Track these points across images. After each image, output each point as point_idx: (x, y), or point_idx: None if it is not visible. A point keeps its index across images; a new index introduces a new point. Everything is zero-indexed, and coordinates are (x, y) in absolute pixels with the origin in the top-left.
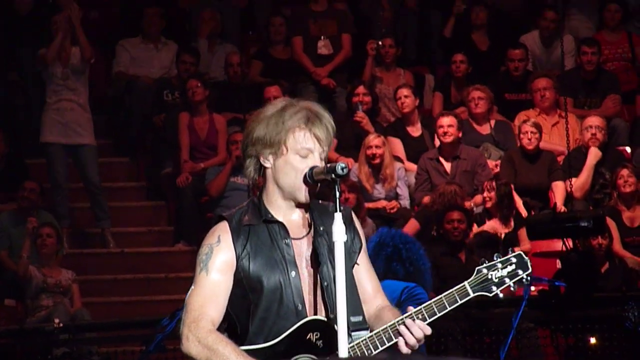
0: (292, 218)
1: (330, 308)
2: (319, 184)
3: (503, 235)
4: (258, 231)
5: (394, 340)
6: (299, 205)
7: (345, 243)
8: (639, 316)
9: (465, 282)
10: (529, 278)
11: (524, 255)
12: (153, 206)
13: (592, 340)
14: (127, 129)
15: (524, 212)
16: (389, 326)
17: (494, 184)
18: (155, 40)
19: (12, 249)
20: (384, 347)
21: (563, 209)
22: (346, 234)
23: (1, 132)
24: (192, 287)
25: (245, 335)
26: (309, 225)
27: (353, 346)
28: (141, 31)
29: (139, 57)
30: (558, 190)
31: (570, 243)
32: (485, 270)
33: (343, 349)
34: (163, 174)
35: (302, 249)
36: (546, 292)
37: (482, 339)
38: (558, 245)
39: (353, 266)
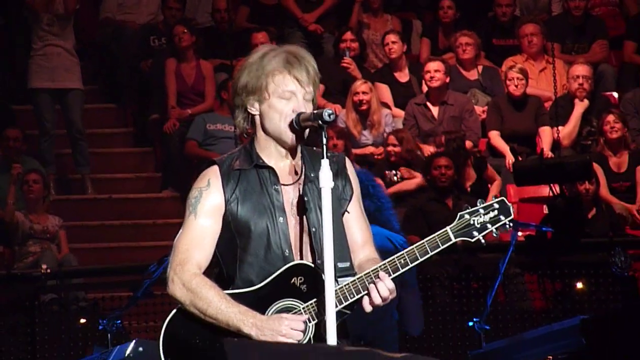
0: (283, 164)
1: (318, 254)
2: (306, 130)
3: (470, 189)
4: (248, 176)
5: (359, 295)
6: (289, 151)
7: (336, 190)
8: (626, 261)
9: (447, 228)
10: (511, 224)
11: (506, 201)
12: (140, 152)
13: (579, 285)
14: (114, 75)
15: (511, 158)
16: (357, 279)
17: (443, 138)
18: None
19: None
20: (352, 299)
21: (550, 154)
22: (337, 181)
23: None
24: (181, 230)
25: (233, 279)
26: (300, 172)
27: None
28: None
29: (125, 2)
30: (545, 136)
31: (557, 189)
32: (467, 216)
33: (330, 296)
34: (150, 120)
35: (291, 195)
36: (533, 238)
37: (469, 284)
38: (545, 190)
39: (343, 214)
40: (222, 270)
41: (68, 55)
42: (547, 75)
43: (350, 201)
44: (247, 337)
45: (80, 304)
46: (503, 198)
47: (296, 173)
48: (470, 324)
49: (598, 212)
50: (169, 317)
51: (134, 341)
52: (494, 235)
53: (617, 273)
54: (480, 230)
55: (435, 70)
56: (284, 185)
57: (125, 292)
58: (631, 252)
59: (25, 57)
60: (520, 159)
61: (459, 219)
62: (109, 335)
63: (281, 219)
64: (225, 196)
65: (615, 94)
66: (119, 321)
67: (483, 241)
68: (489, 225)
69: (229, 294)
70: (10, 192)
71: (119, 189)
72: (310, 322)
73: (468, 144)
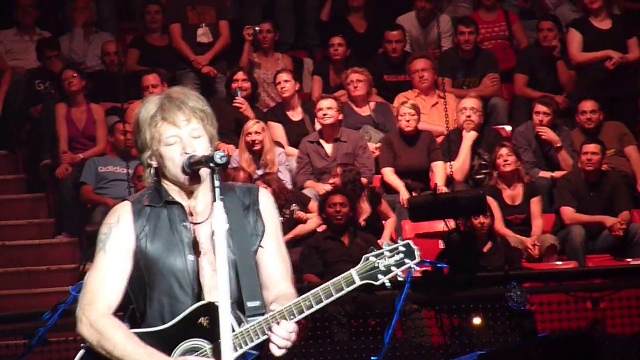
0: (194, 202)
1: (230, 293)
2: (201, 171)
3: (364, 224)
4: (158, 213)
5: (263, 337)
6: (194, 192)
7: (246, 226)
8: (522, 295)
9: (352, 270)
10: (416, 267)
11: (411, 244)
12: (33, 198)
13: (476, 320)
14: (3, 121)
15: (405, 195)
16: (263, 320)
17: (339, 169)
18: (30, 31)
19: None
20: (254, 342)
21: (444, 189)
22: (248, 216)
23: None
24: (91, 267)
25: (143, 317)
26: (211, 210)
27: (236, 335)
28: (16, 22)
29: (14, 48)
30: (438, 171)
31: (452, 223)
32: (372, 258)
33: (225, 338)
34: (42, 165)
35: (202, 233)
36: (429, 273)
37: (366, 321)
38: (440, 225)
39: (256, 250)
40: (134, 308)
41: None
42: (439, 109)
43: (262, 237)
44: None
45: None
46: (409, 241)
47: (208, 211)
48: None
49: (493, 245)
50: (78, 355)
51: None
52: (399, 278)
53: (513, 307)
54: (385, 273)
55: (327, 108)
56: (195, 223)
57: (20, 339)
58: (527, 285)
59: None
60: (414, 194)
61: (364, 262)
62: None
63: (191, 256)
64: (135, 232)
65: (508, 127)
66: None
67: (388, 284)
68: (394, 268)
69: (137, 332)
70: None
71: (12, 236)
72: None
73: (363, 180)
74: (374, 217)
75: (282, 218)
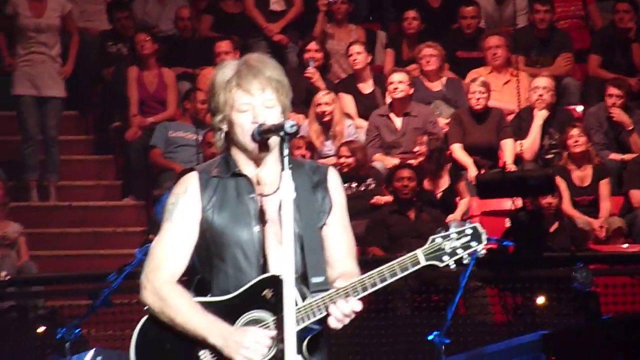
0: (263, 175)
1: (295, 268)
2: (270, 140)
3: (439, 195)
4: (226, 184)
5: (326, 313)
6: (263, 162)
7: (314, 202)
8: (587, 277)
9: (418, 250)
10: (482, 251)
11: (479, 228)
12: (101, 160)
13: (540, 300)
14: (76, 82)
15: (474, 171)
16: (328, 295)
17: (425, 138)
18: None
19: None
20: (317, 317)
21: (513, 167)
22: (316, 193)
23: None
24: (157, 236)
25: (209, 287)
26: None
27: (299, 309)
28: None
29: (87, 9)
30: (507, 149)
31: (519, 202)
32: (439, 240)
33: (290, 311)
34: (112, 127)
35: (270, 206)
36: (495, 251)
37: (429, 296)
38: (507, 204)
39: (322, 227)
40: (199, 277)
41: (53, 63)
42: (511, 88)
43: (329, 214)
44: (213, 346)
45: (38, 312)
46: (477, 224)
47: (276, 183)
48: (430, 337)
49: (560, 226)
50: (141, 322)
51: (92, 350)
52: (465, 261)
53: (578, 288)
54: (451, 255)
55: (399, 82)
56: (262, 195)
57: (84, 300)
58: (593, 267)
59: None
60: (482, 171)
61: (430, 242)
62: (67, 344)
63: (257, 228)
64: (202, 203)
65: (579, 108)
66: (78, 330)
67: (453, 266)
68: (459, 251)
69: (200, 302)
70: None
71: (79, 197)
72: (276, 337)
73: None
74: (449, 192)
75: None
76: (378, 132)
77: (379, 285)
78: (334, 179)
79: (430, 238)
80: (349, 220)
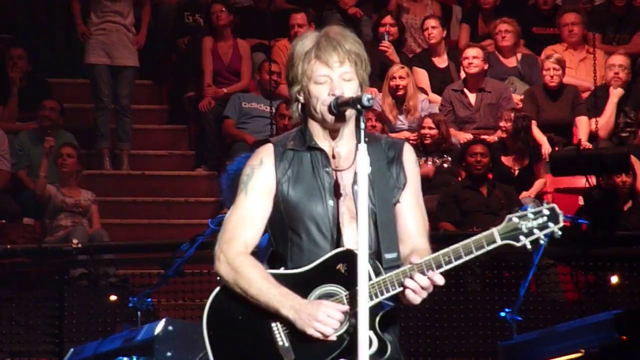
0: (339, 149)
1: (368, 244)
2: (347, 112)
3: (517, 172)
4: (302, 157)
5: (400, 289)
6: (339, 135)
7: (389, 178)
8: None
9: (494, 229)
10: (560, 232)
11: (557, 209)
12: (174, 129)
13: (614, 279)
14: (150, 51)
15: (548, 148)
16: (401, 271)
17: (512, 114)
18: None
19: (32, 168)
20: (391, 292)
21: (587, 145)
22: (391, 168)
23: (24, 51)
24: (232, 207)
25: (284, 259)
26: (355, 157)
27: (373, 284)
28: None
29: None
30: (582, 126)
31: (593, 180)
32: (515, 219)
33: (363, 285)
34: (186, 97)
35: (344, 180)
36: (568, 229)
37: (501, 273)
38: (581, 181)
39: (396, 203)
40: (275, 249)
41: (126, 32)
42: (587, 65)
43: (403, 190)
44: (285, 318)
45: (110, 280)
46: (554, 205)
47: (352, 158)
48: (502, 314)
49: (634, 205)
50: (214, 293)
51: (163, 320)
52: (541, 242)
53: None
54: (527, 235)
55: (473, 57)
56: (337, 169)
57: (156, 269)
58: None
59: (64, 31)
60: (556, 149)
61: (507, 222)
62: (138, 313)
63: (331, 202)
64: (277, 176)
65: None
66: (149, 299)
67: (529, 246)
68: (536, 231)
69: (273, 274)
70: (42, 165)
71: (152, 166)
72: (350, 311)
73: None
74: (527, 170)
75: (437, 165)
76: (452, 107)
77: (455, 263)
78: (409, 155)
79: (507, 217)
80: (422, 197)
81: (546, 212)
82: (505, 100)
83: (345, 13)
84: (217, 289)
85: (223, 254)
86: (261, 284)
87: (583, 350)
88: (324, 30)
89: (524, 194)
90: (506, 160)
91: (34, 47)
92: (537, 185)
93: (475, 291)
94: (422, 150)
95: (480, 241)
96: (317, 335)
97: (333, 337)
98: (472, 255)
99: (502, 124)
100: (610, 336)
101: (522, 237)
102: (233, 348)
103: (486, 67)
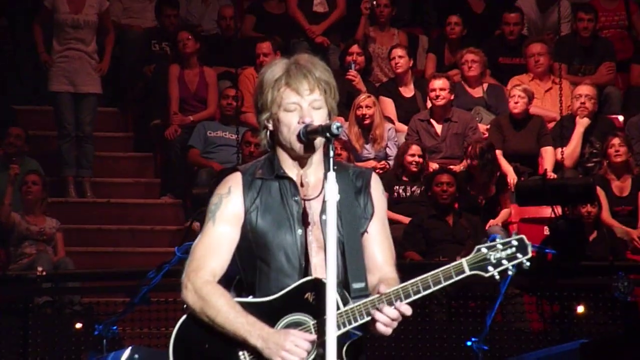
0: (307, 177)
1: (337, 271)
2: (316, 141)
3: (484, 202)
4: (270, 186)
5: (368, 318)
6: (307, 163)
7: (356, 208)
8: (629, 286)
9: (463, 260)
10: (528, 263)
11: (525, 240)
12: (140, 157)
13: (580, 309)
14: (116, 78)
15: (513, 178)
16: (369, 301)
17: (477, 145)
18: None
19: None
20: (359, 322)
21: (553, 175)
22: (359, 198)
23: None
24: (199, 236)
25: (250, 288)
26: (323, 186)
27: (341, 313)
28: None
29: (132, 7)
30: (547, 156)
31: (559, 210)
32: (484, 250)
33: (331, 314)
34: (152, 125)
35: (312, 209)
36: (534, 259)
37: (467, 303)
38: (547, 211)
39: (363, 233)
40: (241, 278)
41: (89, 59)
42: (553, 95)
43: (370, 220)
44: (252, 347)
45: (74, 308)
46: (523, 236)
47: (320, 187)
48: (469, 343)
49: (599, 235)
50: (181, 320)
51: (129, 348)
52: (509, 272)
53: (619, 298)
54: (495, 266)
55: (440, 89)
56: (306, 199)
57: (121, 297)
58: (631, 277)
59: (30, 58)
60: (522, 179)
61: (475, 252)
62: (104, 340)
63: (300, 231)
64: (245, 205)
65: (621, 117)
66: (115, 327)
67: (497, 277)
68: (504, 262)
69: (241, 302)
70: (7, 193)
71: (118, 194)
72: (317, 340)
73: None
74: (493, 200)
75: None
76: (418, 136)
77: (423, 293)
78: (376, 185)
79: (476, 248)
80: (388, 226)
81: (515, 242)
82: (471, 130)
83: (312, 41)
84: (184, 317)
85: (190, 282)
86: (228, 312)
87: None
88: (294, 58)
89: (492, 221)
90: (472, 190)
91: None
92: (503, 214)
93: (442, 321)
94: (403, 177)
95: (448, 271)
96: None
97: None
98: (440, 285)
99: (468, 153)
100: None
101: (490, 268)
102: None
103: (452, 97)
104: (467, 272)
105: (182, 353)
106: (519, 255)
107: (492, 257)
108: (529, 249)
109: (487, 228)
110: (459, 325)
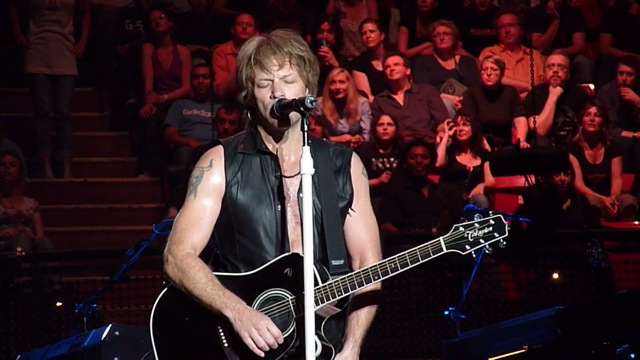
0: (286, 154)
1: (315, 247)
2: (291, 115)
3: (472, 169)
4: (251, 161)
5: (346, 294)
6: (284, 139)
7: (335, 187)
8: (602, 252)
9: (441, 238)
10: (504, 243)
11: (503, 219)
12: (116, 136)
13: (555, 276)
14: (91, 58)
15: (487, 148)
16: (347, 277)
17: (468, 118)
18: None
19: None
20: (337, 297)
21: (526, 145)
22: (338, 177)
23: None
24: (181, 209)
25: (229, 261)
26: None
27: (319, 289)
28: None
29: None
30: (520, 126)
31: (532, 179)
32: (462, 229)
33: (309, 289)
34: (127, 104)
35: (291, 186)
36: (508, 228)
37: (443, 273)
38: (520, 181)
39: (343, 211)
40: (218, 252)
41: (65, 41)
42: (525, 65)
43: (349, 200)
44: (226, 319)
45: (54, 287)
46: (500, 215)
47: (298, 165)
48: (446, 312)
49: (573, 203)
50: (161, 293)
51: (109, 325)
52: (486, 251)
53: (593, 264)
54: (472, 245)
55: (394, 64)
56: (285, 176)
57: (100, 275)
58: (605, 243)
59: (5, 39)
60: (496, 149)
61: (453, 231)
62: (84, 319)
63: (279, 207)
64: (226, 178)
65: (592, 86)
66: (95, 305)
67: (474, 255)
68: (482, 241)
69: (221, 276)
70: None
71: (95, 173)
72: (295, 316)
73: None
74: (479, 169)
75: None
76: (382, 112)
77: (401, 270)
78: (356, 165)
79: (454, 226)
80: (371, 206)
81: (492, 222)
82: (434, 96)
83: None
84: (164, 290)
85: (171, 255)
86: (206, 284)
87: (526, 347)
88: (268, 34)
89: (474, 190)
90: (461, 159)
91: None
92: (479, 187)
93: (419, 291)
94: (380, 149)
95: (426, 249)
96: (249, 342)
97: (260, 353)
98: (418, 263)
99: (460, 127)
100: (552, 332)
101: (467, 247)
102: (178, 348)
103: (408, 71)
104: (445, 250)
105: (162, 325)
106: (495, 234)
107: (469, 236)
108: (506, 228)
109: (469, 197)
110: (436, 295)
